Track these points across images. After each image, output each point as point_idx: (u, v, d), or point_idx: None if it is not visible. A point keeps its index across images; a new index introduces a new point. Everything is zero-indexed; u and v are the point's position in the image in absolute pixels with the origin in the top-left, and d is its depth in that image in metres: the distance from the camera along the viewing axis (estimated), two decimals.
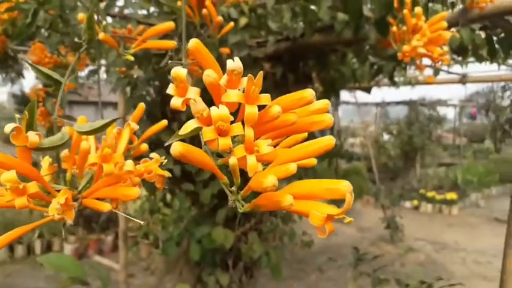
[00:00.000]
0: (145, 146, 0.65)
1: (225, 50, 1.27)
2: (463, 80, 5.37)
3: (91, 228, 4.36)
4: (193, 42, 0.36)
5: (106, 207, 0.49)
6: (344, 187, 0.34)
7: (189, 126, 0.36)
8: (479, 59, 1.64)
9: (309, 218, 0.34)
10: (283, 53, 2.04)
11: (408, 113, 7.84)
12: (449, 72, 4.98)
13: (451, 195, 6.77)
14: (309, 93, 0.38)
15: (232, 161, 0.36)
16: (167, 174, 0.57)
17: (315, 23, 1.78)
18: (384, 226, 5.17)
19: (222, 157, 0.42)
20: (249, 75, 0.35)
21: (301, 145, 0.38)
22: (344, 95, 6.08)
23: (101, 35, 0.76)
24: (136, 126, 0.61)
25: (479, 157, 8.92)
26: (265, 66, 2.12)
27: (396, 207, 5.73)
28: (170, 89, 0.37)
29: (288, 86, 2.28)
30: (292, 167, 0.35)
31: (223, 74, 0.35)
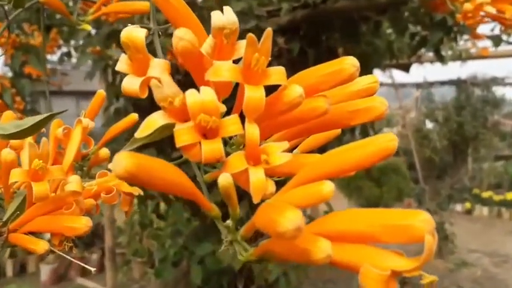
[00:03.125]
0: (105, 153, 0.59)
1: None
2: None
3: (73, 244, 4.38)
4: None
5: (41, 246, 0.41)
6: (420, 224, 0.27)
7: (152, 122, 0.32)
8: None
9: (359, 275, 0.28)
10: (301, 23, 2.02)
11: (457, 95, 7.72)
12: (509, 43, 4.82)
13: None
14: (349, 63, 0.35)
15: (224, 179, 0.31)
16: (137, 191, 0.54)
17: None
18: None
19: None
20: (249, 35, 0.31)
21: (342, 149, 0.32)
22: (378, 74, 5.97)
23: None
24: (90, 124, 0.56)
25: None
26: (279, 41, 2.09)
27: (444, 212, 5.66)
28: (121, 64, 0.35)
29: (307, 66, 2.30)
30: (328, 189, 0.30)
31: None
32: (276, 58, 2.13)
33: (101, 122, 2.20)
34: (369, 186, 5.88)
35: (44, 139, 0.45)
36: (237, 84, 0.35)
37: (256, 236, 0.35)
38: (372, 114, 0.36)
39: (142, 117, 0.66)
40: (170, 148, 1.88)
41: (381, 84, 7.00)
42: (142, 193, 0.55)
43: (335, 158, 0.32)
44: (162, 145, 1.88)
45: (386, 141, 0.31)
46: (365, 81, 0.39)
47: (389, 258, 0.28)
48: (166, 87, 0.31)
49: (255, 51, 0.32)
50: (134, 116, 0.65)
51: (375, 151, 0.31)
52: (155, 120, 0.32)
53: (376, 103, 0.35)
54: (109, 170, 0.54)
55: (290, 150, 0.43)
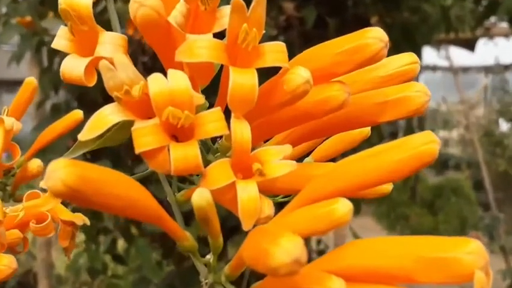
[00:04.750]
0: (36, 165, 0.59)
1: None
2: None
3: None
4: None
5: None
6: (469, 256, 0.28)
7: (102, 120, 0.34)
8: None
9: None
10: None
11: None
12: None
13: None
14: (374, 36, 0.36)
15: (200, 197, 0.32)
16: (81, 219, 0.54)
17: None
18: (508, 284, 5.10)
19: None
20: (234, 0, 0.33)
21: (362, 156, 0.33)
22: (429, 54, 6.00)
23: None
24: (16, 125, 0.57)
25: None
26: (287, 6, 2.13)
27: None
28: (60, 39, 0.37)
29: (327, 40, 2.32)
30: (343, 209, 0.31)
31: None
32: (284, 31, 2.16)
33: (32, 124, 2.21)
34: (418, 214, 5.90)
35: None
36: (220, 68, 0.36)
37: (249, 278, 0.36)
38: (408, 107, 0.37)
39: (90, 115, 0.68)
40: (131, 159, 1.90)
41: (434, 68, 7.05)
42: (88, 222, 0.56)
43: (352, 167, 0.33)
44: (119, 154, 1.90)
45: (422, 143, 0.31)
46: (398, 61, 0.41)
47: None
48: (120, 71, 0.32)
49: (243, 21, 0.33)
50: (78, 114, 0.65)
51: (407, 158, 0.32)
52: (107, 117, 0.33)
53: (412, 92, 0.37)
54: (43, 190, 0.54)
55: (297, 159, 0.45)
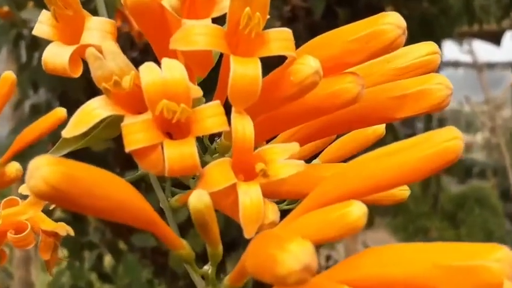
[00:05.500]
0: (14, 169, 0.59)
1: None
2: None
3: None
4: None
5: None
6: (497, 264, 0.28)
7: (89, 114, 0.34)
8: None
9: None
10: None
11: None
12: None
13: None
14: (390, 22, 0.37)
15: (197, 200, 0.32)
16: (65, 229, 0.53)
17: None
18: None
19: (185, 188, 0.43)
20: None
21: (376, 155, 0.34)
22: (450, 48, 6.00)
23: None
24: None
25: None
26: None
27: None
28: (42, 25, 0.37)
29: None
30: (357, 213, 0.31)
31: None
32: (289, 23, 2.17)
33: (8, 127, 2.21)
34: (439, 228, 5.89)
35: None
36: (220, 57, 0.36)
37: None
38: (427, 101, 0.38)
39: (73, 112, 0.68)
40: (120, 165, 1.90)
41: (456, 65, 7.05)
42: (72, 232, 0.56)
43: (367, 167, 0.34)
44: (106, 160, 1.90)
45: (446, 139, 0.31)
46: (417, 51, 0.41)
47: None
48: (109, 60, 0.33)
49: (245, 5, 0.34)
50: (60, 112, 0.64)
51: (428, 156, 0.32)
52: (94, 111, 0.33)
53: (432, 84, 0.37)
54: (22, 197, 0.54)
55: (305, 161, 0.45)
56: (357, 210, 0.31)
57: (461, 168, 6.42)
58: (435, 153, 0.32)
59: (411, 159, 0.32)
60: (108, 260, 2.58)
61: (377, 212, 2.62)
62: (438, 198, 5.37)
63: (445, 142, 0.32)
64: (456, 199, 6.37)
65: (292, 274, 0.26)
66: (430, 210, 5.61)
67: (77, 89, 1.90)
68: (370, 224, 2.28)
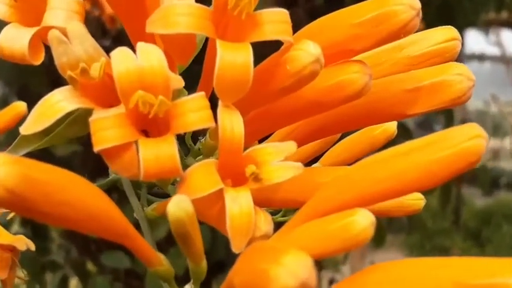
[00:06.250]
0: None
1: None
2: None
3: None
4: None
5: None
6: None
7: (52, 107, 0.34)
8: None
9: None
10: None
11: None
12: None
13: None
14: (402, 1, 0.37)
15: (177, 207, 0.32)
16: (24, 243, 0.54)
17: None
18: None
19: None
20: None
21: (386, 156, 0.34)
22: (474, 39, 6.01)
23: None
24: None
25: None
26: None
27: None
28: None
29: None
30: (363, 223, 0.32)
31: None
32: (286, 7, 2.17)
33: None
34: (461, 247, 5.90)
35: None
36: (206, 42, 0.37)
37: None
38: (445, 95, 0.38)
39: (32, 106, 0.69)
40: (89, 169, 1.90)
41: (482, 58, 7.06)
42: (33, 247, 0.56)
43: (375, 169, 0.34)
44: (71, 165, 1.90)
45: (466, 138, 0.32)
46: (433, 38, 0.42)
47: None
48: (76, 44, 0.33)
49: None
50: (20, 107, 0.65)
51: (446, 157, 0.32)
52: (58, 104, 0.34)
53: (451, 75, 0.38)
54: None
55: (304, 164, 0.45)
56: (363, 220, 0.31)
57: (487, 178, 6.44)
58: (455, 154, 0.32)
59: (425, 161, 0.32)
60: (74, 283, 2.57)
61: (389, 229, 2.61)
62: (460, 213, 5.38)
63: (466, 141, 0.32)
64: (480, 214, 6.38)
65: None
66: (451, 226, 5.62)
67: (39, 82, 1.90)
68: (381, 242, 2.28)
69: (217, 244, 1.60)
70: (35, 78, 1.89)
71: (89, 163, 1.87)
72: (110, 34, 1.74)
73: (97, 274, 2.33)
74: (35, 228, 1.99)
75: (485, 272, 0.29)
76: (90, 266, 2.33)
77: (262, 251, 0.29)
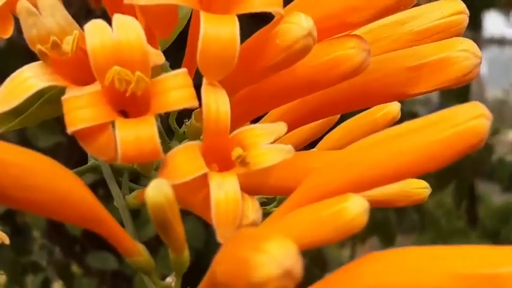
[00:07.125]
0: None
1: None
2: None
3: None
4: None
5: None
6: None
7: (21, 85, 0.34)
8: None
9: None
10: None
11: None
12: None
13: None
14: None
15: (156, 192, 0.33)
16: (1, 237, 0.56)
17: None
18: None
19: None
20: None
21: (383, 136, 0.35)
22: (493, 22, 5.99)
23: None
24: None
25: None
26: None
27: None
28: None
29: None
30: (355, 209, 0.32)
31: None
32: None
33: None
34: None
35: None
36: (190, 15, 0.37)
37: None
38: (450, 73, 0.38)
39: None
40: (74, 162, 1.90)
41: (502, 43, 7.05)
42: (7, 240, 0.56)
43: (371, 152, 0.34)
44: (55, 156, 1.90)
45: (468, 117, 0.32)
46: (438, 11, 0.41)
47: None
48: (46, 15, 0.33)
49: None
50: None
51: (448, 138, 0.32)
52: (28, 81, 0.34)
53: (455, 51, 0.38)
54: None
55: (299, 147, 0.45)
56: (356, 206, 0.31)
57: (506, 173, 6.42)
58: (456, 135, 0.32)
59: (424, 143, 0.33)
60: (57, 286, 2.57)
61: (399, 228, 2.61)
62: (476, 211, 5.38)
63: (469, 121, 0.32)
64: (499, 212, 6.38)
65: (271, 281, 0.26)
66: (466, 226, 5.63)
67: (13, 62, 1.90)
68: (390, 239, 2.28)
69: (211, 244, 1.60)
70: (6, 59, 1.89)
71: (74, 155, 1.87)
72: (94, 14, 1.75)
73: (82, 276, 2.33)
74: (15, 227, 1.99)
75: (488, 261, 0.29)
76: (75, 268, 2.34)
77: (245, 238, 0.29)
